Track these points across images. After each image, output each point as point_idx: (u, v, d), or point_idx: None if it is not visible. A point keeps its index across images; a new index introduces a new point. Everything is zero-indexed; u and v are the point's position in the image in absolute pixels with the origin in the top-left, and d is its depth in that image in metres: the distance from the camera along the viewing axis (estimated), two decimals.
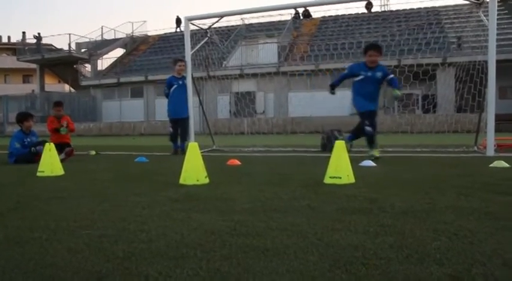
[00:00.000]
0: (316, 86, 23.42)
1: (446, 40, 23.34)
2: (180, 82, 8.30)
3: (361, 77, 6.23)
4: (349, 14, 30.98)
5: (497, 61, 6.80)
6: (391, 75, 6.34)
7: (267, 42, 27.72)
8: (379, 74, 6.21)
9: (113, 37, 35.44)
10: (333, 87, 6.71)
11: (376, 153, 6.17)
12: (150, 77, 27.82)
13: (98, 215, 2.64)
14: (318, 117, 20.84)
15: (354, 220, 2.39)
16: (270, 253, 1.80)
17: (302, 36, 29.56)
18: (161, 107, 27.93)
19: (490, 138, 6.71)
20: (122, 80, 29.95)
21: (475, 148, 7.58)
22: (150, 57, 31.96)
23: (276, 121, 22.75)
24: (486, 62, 6.89)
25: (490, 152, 6.60)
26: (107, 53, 34.43)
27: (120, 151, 9.70)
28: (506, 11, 24.87)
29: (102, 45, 34.43)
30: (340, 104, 23.76)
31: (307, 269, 1.60)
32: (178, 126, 8.29)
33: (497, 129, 6.85)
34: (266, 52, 26.62)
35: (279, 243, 1.95)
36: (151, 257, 1.78)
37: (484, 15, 7.03)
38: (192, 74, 8.63)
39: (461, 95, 14.77)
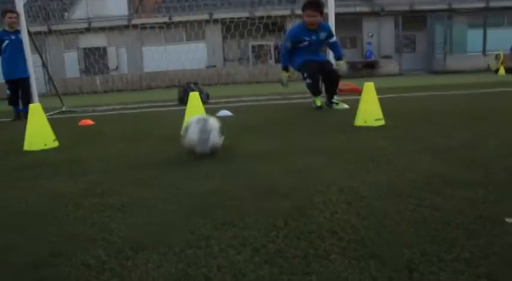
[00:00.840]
0: (170, 40, 22.82)
1: None
2: (13, 37, 7.16)
3: (305, 43, 5.45)
4: None
5: (337, 14, 7.38)
6: (334, 39, 5.64)
7: None
8: (323, 35, 5.47)
9: None
10: (286, 70, 5.76)
11: (317, 101, 5.56)
12: None
13: None
14: (174, 70, 20.49)
15: (211, 166, 2.46)
16: (128, 209, 1.77)
17: None
18: None
19: None
20: None
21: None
22: None
23: (131, 77, 21.74)
24: (327, 13, 7.44)
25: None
26: None
27: None
28: None
29: None
30: (195, 57, 23.69)
31: (165, 219, 1.62)
32: (18, 87, 7.31)
33: None
34: (115, 3, 24.76)
35: (136, 197, 1.92)
36: None
37: None
38: (28, 28, 7.63)
39: None
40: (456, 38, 23.33)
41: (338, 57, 5.64)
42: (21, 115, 7.18)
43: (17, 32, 7.22)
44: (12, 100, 7.39)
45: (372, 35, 23.70)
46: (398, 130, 3.46)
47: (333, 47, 5.70)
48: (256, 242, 1.35)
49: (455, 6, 22.88)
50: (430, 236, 1.33)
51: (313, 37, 5.42)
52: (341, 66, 5.57)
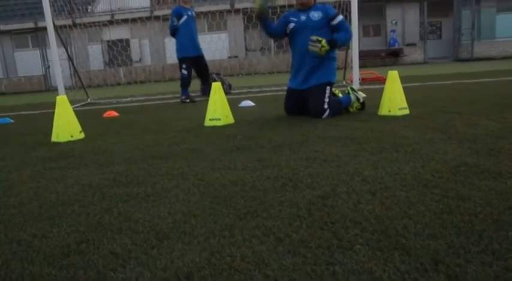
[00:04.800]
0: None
1: None
2: (190, 13, 6.90)
3: (292, 25, 4.10)
4: None
5: (360, 1, 7.26)
6: (340, 18, 4.01)
7: None
8: (316, 16, 4.00)
9: None
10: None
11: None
12: (3, 27, 24.46)
13: None
14: None
15: (233, 157, 2.47)
16: (151, 199, 1.80)
17: None
18: (22, 61, 25.02)
19: (356, 73, 7.32)
20: None
21: (344, 82, 8.22)
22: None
23: (154, 68, 21.96)
24: (350, 1, 7.32)
25: (356, 85, 7.21)
26: None
27: None
28: None
29: None
30: (217, 47, 23.68)
31: (188, 209, 1.64)
32: (196, 67, 7.02)
33: (362, 65, 7.44)
34: None
35: (159, 188, 1.95)
36: (23, 222, 1.65)
37: None
38: (53, 22, 7.77)
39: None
40: (484, 23, 22.61)
41: (341, 41, 3.99)
42: (191, 97, 6.97)
43: (192, 9, 7.10)
44: (187, 82, 7.01)
45: (395, 23, 23.20)
46: (423, 119, 3.40)
47: (339, 29, 3.99)
48: (279, 232, 1.36)
49: None
50: (457, 228, 1.30)
51: (302, 17, 4.06)
52: (315, 47, 3.85)
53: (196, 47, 7.04)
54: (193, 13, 7.08)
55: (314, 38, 3.85)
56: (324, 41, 3.83)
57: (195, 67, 7.14)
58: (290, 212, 1.53)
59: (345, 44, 4.03)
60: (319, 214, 1.48)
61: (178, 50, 7.02)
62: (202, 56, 7.15)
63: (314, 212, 1.51)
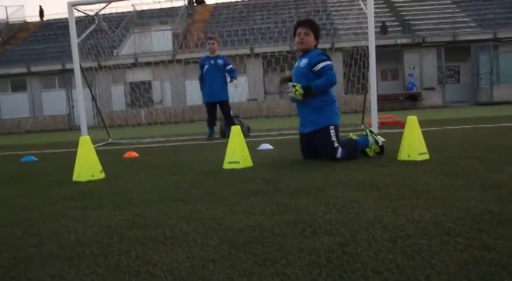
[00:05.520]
0: None
1: (333, 27, 24.69)
2: (212, 62, 7.66)
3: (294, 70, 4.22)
4: (242, 1, 31.30)
5: (377, 46, 7.38)
6: (321, 65, 3.98)
7: (161, 30, 26.98)
8: (303, 63, 4.07)
9: None
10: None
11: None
12: (34, 69, 25.49)
13: None
14: None
15: (252, 201, 2.47)
16: (170, 242, 1.79)
17: (196, 23, 29.24)
18: (48, 101, 25.89)
19: (374, 117, 7.33)
20: (0, 72, 27.03)
21: (362, 126, 8.23)
22: (32, 46, 29.15)
23: (174, 110, 22.42)
24: (367, 46, 7.46)
25: (375, 129, 7.20)
26: None
27: (3, 151, 8.84)
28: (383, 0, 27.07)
29: None
30: (236, 90, 24.16)
31: (207, 254, 1.63)
32: (214, 110, 7.81)
33: (380, 109, 7.46)
34: (160, 40, 25.91)
35: (178, 231, 1.94)
36: (42, 262, 1.66)
37: (364, 4, 7.60)
38: (80, 64, 8.10)
39: (348, 78, 15.88)
40: (503, 68, 22.63)
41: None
42: (213, 136, 7.76)
43: (217, 57, 7.73)
44: (209, 122, 7.91)
45: (413, 67, 23.41)
46: (443, 165, 3.35)
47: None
48: (298, 280, 1.33)
49: (500, 35, 22.33)
50: (483, 280, 1.26)
51: (296, 64, 4.17)
52: (290, 92, 3.99)
53: (219, 93, 7.70)
54: (219, 61, 7.68)
55: (290, 84, 4.03)
56: (298, 86, 3.93)
57: (221, 110, 7.84)
58: (309, 259, 1.50)
59: (324, 89, 4.01)
60: (339, 262, 1.46)
61: (202, 95, 7.94)
62: (221, 101, 7.73)
63: (333, 259, 1.48)
